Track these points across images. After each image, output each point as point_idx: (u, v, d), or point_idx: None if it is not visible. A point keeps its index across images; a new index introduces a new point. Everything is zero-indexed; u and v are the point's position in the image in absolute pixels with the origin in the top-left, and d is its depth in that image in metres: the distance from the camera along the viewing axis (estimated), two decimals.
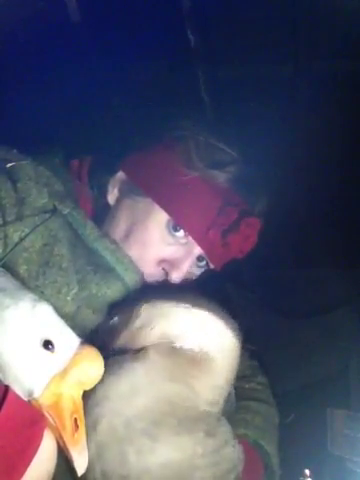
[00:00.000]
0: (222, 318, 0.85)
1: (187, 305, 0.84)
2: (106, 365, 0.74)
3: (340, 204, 1.53)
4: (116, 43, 1.37)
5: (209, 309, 0.85)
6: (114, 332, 0.85)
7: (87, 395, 0.74)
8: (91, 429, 0.73)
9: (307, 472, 1.19)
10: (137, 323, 0.84)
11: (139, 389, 0.76)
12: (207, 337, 0.83)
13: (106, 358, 0.75)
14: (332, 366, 1.47)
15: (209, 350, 0.82)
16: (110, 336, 0.85)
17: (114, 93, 1.47)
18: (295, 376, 1.45)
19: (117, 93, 1.46)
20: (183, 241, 0.97)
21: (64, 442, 0.69)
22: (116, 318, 0.88)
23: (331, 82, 1.37)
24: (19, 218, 0.86)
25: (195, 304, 0.85)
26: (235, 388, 0.96)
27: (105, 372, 0.74)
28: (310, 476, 1.19)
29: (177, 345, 0.81)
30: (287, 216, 1.52)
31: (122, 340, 0.83)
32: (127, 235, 0.97)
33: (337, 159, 1.48)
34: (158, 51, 1.39)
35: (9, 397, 0.68)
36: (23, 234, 0.86)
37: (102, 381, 0.74)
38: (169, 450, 0.74)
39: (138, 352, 0.81)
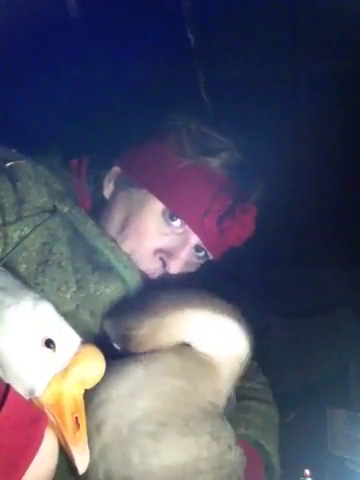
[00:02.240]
0: (241, 327, 0.82)
1: (209, 310, 0.81)
2: (108, 366, 0.72)
3: (340, 204, 1.53)
4: (116, 43, 1.38)
5: (229, 316, 0.81)
6: (126, 332, 0.81)
7: (89, 397, 0.73)
8: (94, 431, 0.72)
9: (307, 472, 1.19)
10: (155, 323, 0.80)
11: (141, 390, 0.75)
12: (222, 345, 0.81)
13: (109, 358, 0.73)
14: (332, 366, 1.47)
15: (220, 358, 0.80)
16: (122, 336, 0.81)
17: (114, 93, 1.47)
18: (295, 376, 1.45)
19: (117, 93, 1.46)
20: (179, 231, 0.97)
21: (65, 441, 0.69)
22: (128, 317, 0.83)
23: (331, 82, 1.37)
24: (19, 218, 0.86)
25: (216, 309, 0.81)
26: (235, 387, 0.96)
27: (108, 373, 0.73)
28: (310, 476, 1.19)
29: (192, 347, 0.79)
30: (287, 216, 1.52)
31: (137, 340, 0.80)
32: (123, 227, 0.96)
33: (337, 159, 1.48)
34: (158, 51, 1.39)
35: (10, 396, 0.68)
36: (23, 233, 0.85)
37: (105, 383, 0.73)
38: (174, 452, 0.73)
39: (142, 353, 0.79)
